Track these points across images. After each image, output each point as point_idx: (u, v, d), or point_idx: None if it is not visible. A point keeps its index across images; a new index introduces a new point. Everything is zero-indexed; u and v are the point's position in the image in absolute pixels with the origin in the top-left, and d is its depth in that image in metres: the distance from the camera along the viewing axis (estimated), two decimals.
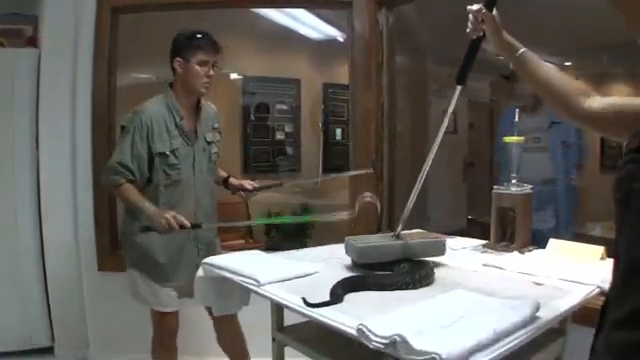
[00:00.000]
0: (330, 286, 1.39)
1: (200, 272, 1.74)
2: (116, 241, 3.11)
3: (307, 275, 1.57)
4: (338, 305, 1.28)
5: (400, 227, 1.66)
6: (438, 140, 1.55)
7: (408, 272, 1.48)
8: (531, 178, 1.99)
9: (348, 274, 1.57)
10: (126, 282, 2.40)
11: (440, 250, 1.68)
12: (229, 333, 2.47)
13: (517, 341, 1.07)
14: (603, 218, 3.25)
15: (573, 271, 1.53)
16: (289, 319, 1.67)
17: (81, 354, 3.07)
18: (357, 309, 1.24)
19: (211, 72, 2.23)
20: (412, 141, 4.20)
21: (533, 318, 1.15)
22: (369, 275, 1.50)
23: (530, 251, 1.84)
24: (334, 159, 5.33)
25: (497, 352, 1.01)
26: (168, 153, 2.19)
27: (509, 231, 1.93)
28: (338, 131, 5.39)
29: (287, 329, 1.70)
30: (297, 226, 4.54)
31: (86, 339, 3.08)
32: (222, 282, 1.78)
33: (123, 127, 2.22)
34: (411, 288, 1.40)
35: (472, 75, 1.47)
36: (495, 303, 1.19)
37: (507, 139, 1.97)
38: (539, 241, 1.93)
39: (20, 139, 3.02)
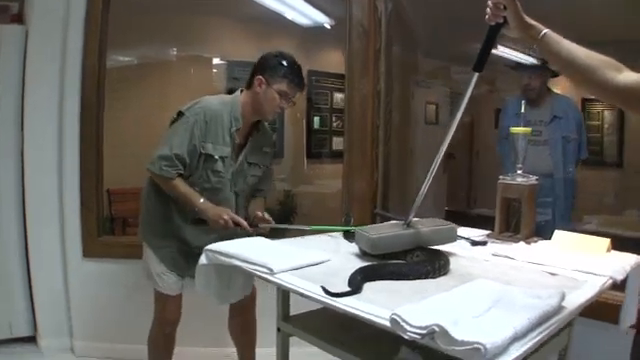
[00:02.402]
0: (344, 274, 1.36)
1: (203, 259, 1.69)
2: (101, 227, 3.04)
3: (319, 263, 1.54)
4: (359, 294, 1.25)
5: (412, 215, 1.65)
6: (453, 128, 1.54)
7: (426, 261, 1.47)
8: (529, 171, 1.98)
9: (360, 262, 1.55)
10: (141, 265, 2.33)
11: (452, 237, 1.68)
12: (244, 321, 2.42)
13: (549, 330, 1.07)
14: (596, 212, 3.30)
15: (584, 262, 1.54)
16: (293, 309, 1.65)
17: (64, 343, 2.98)
18: (379, 298, 1.22)
19: (285, 105, 2.18)
20: (395, 130, 4.18)
21: (560, 308, 1.15)
22: (388, 264, 1.48)
23: (536, 242, 1.85)
24: (315, 146, 5.33)
25: (534, 341, 1.01)
26: (217, 158, 2.12)
27: (513, 221, 1.94)
28: (316, 119, 5.37)
29: (292, 318, 1.67)
30: (281, 212, 4.51)
31: (70, 328, 2.98)
32: (224, 270, 1.74)
33: (181, 113, 2.12)
34: (430, 277, 1.39)
35: (459, 68, 1.45)
36: (520, 293, 1.19)
37: (514, 130, 1.97)
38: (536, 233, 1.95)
39: (4, 121, 2.89)
